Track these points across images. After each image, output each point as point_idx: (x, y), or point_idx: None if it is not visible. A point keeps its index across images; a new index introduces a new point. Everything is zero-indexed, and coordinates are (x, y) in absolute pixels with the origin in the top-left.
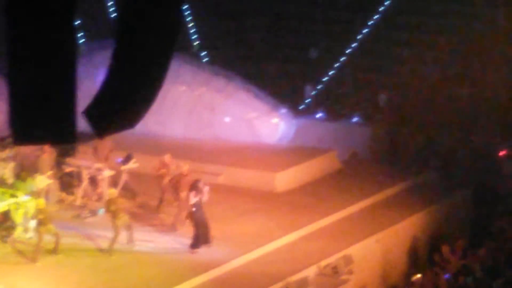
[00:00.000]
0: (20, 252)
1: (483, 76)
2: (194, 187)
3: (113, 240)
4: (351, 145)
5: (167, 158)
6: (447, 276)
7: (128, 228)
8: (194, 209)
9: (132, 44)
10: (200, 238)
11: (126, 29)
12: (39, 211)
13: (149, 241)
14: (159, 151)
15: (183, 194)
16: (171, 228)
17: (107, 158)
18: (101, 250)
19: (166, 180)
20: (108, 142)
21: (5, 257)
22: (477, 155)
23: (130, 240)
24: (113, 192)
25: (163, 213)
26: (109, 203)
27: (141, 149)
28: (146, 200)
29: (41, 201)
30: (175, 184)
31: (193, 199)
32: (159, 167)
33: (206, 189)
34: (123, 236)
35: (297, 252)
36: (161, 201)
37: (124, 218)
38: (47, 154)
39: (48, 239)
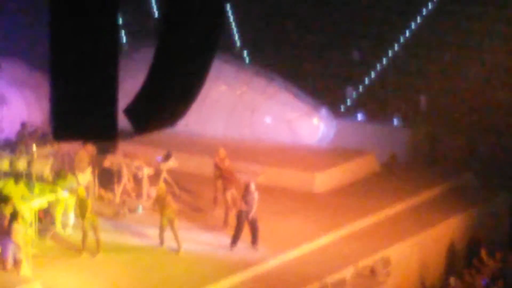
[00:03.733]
0: (59, 248)
1: None
2: (245, 190)
3: (160, 235)
4: (391, 147)
5: (221, 152)
6: (484, 281)
7: (172, 225)
8: (243, 210)
9: (174, 42)
10: (239, 237)
11: (169, 27)
12: (79, 200)
13: (189, 239)
14: (199, 150)
15: (228, 194)
16: (221, 228)
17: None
18: (139, 248)
19: (218, 176)
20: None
21: (44, 253)
22: None
23: (174, 238)
24: (163, 187)
25: (212, 211)
26: (158, 199)
27: (181, 148)
28: (185, 198)
29: (81, 190)
30: (223, 182)
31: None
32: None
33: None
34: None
35: (335, 252)
36: (215, 198)
37: (170, 215)
38: (85, 150)
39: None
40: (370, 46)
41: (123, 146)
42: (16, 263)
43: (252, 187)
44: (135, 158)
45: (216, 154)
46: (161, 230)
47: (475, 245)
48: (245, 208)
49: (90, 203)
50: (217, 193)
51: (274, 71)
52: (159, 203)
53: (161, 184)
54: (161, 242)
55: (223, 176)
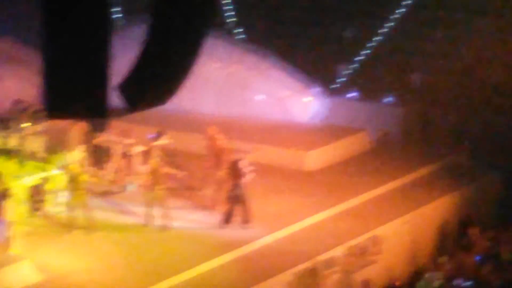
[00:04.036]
0: (50, 226)
1: None
2: (233, 168)
3: (148, 213)
4: (383, 125)
5: (211, 130)
6: (478, 257)
7: (162, 202)
8: (231, 189)
9: (167, 20)
10: (231, 215)
11: (162, 5)
12: (72, 175)
13: (180, 217)
14: (191, 128)
15: (220, 173)
16: (210, 207)
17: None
18: (130, 226)
19: (210, 155)
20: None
21: (35, 231)
22: (510, 137)
23: (164, 216)
24: (157, 161)
25: (202, 190)
26: (152, 172)
27: (173, 126)
28: (176, 176)
29: (74, 166)
30: (214, 161)
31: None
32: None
33: (249, 169)
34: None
35: (326, 231)
36: (204, 176)
37: (160, 192)
38: (77, 128)
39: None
40: (362, 24)
41: (117, 124)
42: (5, 241)
43: (241, 164)
44: (130, 135)
45: (206, 132)
46: (149, 207)
47: (466, 224)
48: (233, 186)
49: (82, 180)
50: (208, 171)
51: (266, 48)
52: (153, 177)
53: (156, 159)
54: (149, 220)
55: (215, 154)
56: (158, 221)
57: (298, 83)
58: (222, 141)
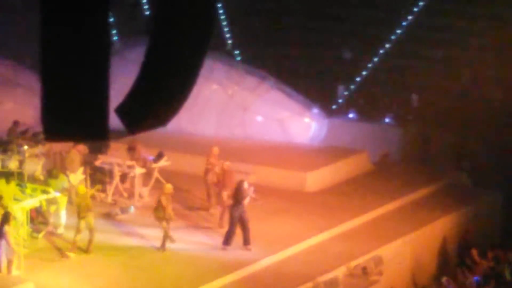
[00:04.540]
0: (51, 248)
1: None
2: (236, 189)
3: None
4: (383, 145)
5: (214, 151)
6: (476, 278)
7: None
8: (233, 210)
9: (165, 41)
10: (232, 235)
11: (160, 26)
12: (80, 197)
13: (181, 238)
14: (191, 149)
15: (224, 194)
16: (218, 226)
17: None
18: (131, 247)
19: (211, 174)
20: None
21: (36, 253)
22: (509, 157)
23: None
24: (169, 187)
25: (206, 210)
26: (163, 196)
27: (173, 147)
28: (177, 198)
29: (82, 187)
30: (218, 182)
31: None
32: (207, 160)
33: (251, 189)
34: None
35: (327, 252)
36: (208, 196)
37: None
38: (76, 150)
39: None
40: (361, 45)
41: (117, 146)
42: (8, 263)
43: (245, 186)
44: (137, 151)
45: (210, 153)
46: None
47: (467, 244)
48: (236, 207)
49: (90, 202)
50: (211, 192)
51: (265, 70)
52: (160, 210)
53: (168, 184)
54: (170, 241)
55: (218, 176)
56: (160, 243)
57: (298, 104)
58: (224, 163)
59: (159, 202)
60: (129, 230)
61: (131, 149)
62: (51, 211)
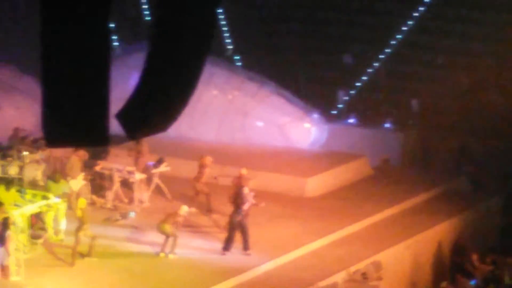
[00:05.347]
0: (51, 254)
1: None
2: (237, 194)
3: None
4: (383, 151)
5: (207, 160)
6: (474, 281)
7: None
8: (232, 215)
9: (166, 47)
10: (231, 241)
11: (160, 32)
12: (81, 210)
13: (182, 244)
14: (191, 155)
15: (198, 185)
16: (206, 211)
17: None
18: (132, 253)
19: (201, 181)
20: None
21: (36, 259)
22: (509, 162)
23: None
24: (185, 208)
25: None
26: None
27: (173, 153)
28: (178, 203)
29: (83, 201)
30: (236, 191)
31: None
32: (200, 169)
33: (251, 195)
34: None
35: (327, 257)
36: (208, 201)
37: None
38: (77, 156)
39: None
40: (361, 50)
41: (117, 151)
42: (4, 269)
43: (245, 191)
44: (143, 152)
45: (203, 162)
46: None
47: (466, 249)
48: (236, 212)
49: (88, 219)
50: (209, 199)
51: (265, 75)
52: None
53: (184, 206)
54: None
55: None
56: (161, 248)
57: (298, 110)
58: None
59: (171, 219)
60: (129, 236)
61: (138, 153)
62: (51, 217)
